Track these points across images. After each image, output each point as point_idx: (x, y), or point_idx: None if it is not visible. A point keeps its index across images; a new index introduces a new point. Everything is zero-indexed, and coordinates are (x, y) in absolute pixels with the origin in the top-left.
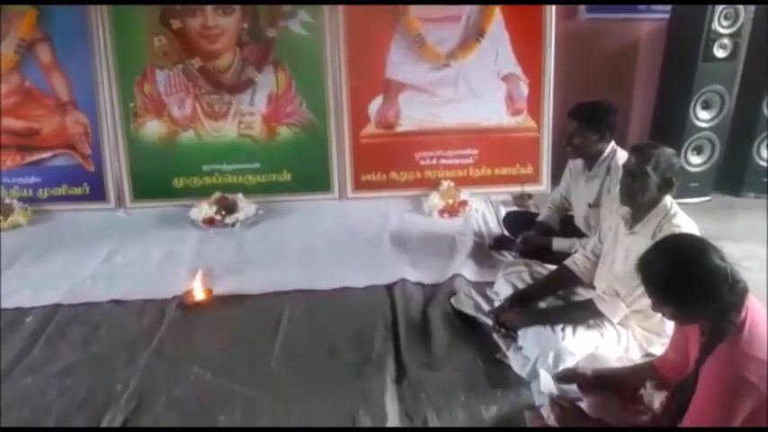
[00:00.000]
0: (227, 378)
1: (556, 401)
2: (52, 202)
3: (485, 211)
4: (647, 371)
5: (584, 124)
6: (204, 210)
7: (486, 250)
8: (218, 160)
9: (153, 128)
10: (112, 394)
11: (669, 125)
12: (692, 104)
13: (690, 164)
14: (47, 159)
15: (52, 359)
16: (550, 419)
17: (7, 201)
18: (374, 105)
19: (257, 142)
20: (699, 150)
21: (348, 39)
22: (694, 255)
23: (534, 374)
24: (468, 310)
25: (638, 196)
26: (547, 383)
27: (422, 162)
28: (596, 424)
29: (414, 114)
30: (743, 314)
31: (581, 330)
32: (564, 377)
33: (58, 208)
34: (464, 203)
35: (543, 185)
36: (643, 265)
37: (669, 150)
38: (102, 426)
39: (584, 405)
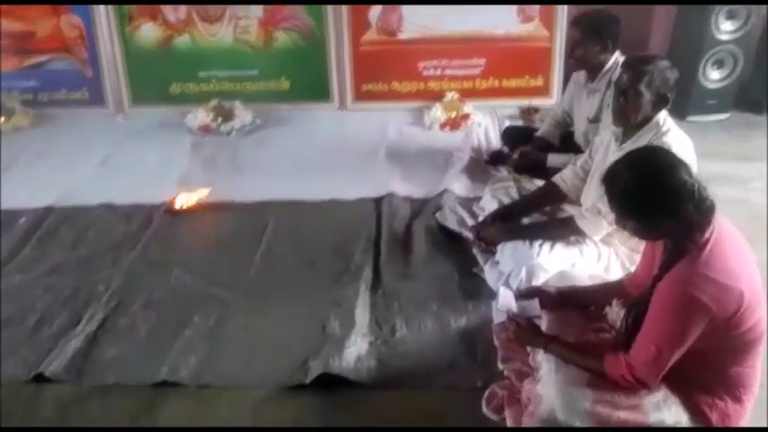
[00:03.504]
0: (206, 282)
1: (512, 318)
2: (53, 105)
3: (488, 125)
4: (616, 289)
5: (587, 34)
6: (200, 116)
7: (483, 165)
8: (214, 66)
9: (148, 31)
10: (94, 294)
11: (689, 37)
12: (715, 14)
13: (708, 79)
14: (44, 63)
15: (41, 259)
16: None
17: (8, 104)
18: (375, 9)
19: (254, 48)
20: (720, 64)
21: None
22: (660, 168)
23: None
24: (452, 224)
25: (631, 116)
26: (504, 301)
27: (425, 72)
28: (550, 340)
29: (417, 20)
30: (707, 234)
31: (559, 247)
32: (527, 293)
33: (60, 112)
34: (466, 117)
35: (553, 99)
36: (608, 176)
37: (663, 63)
38: (80, 322)
39: (543, 323)
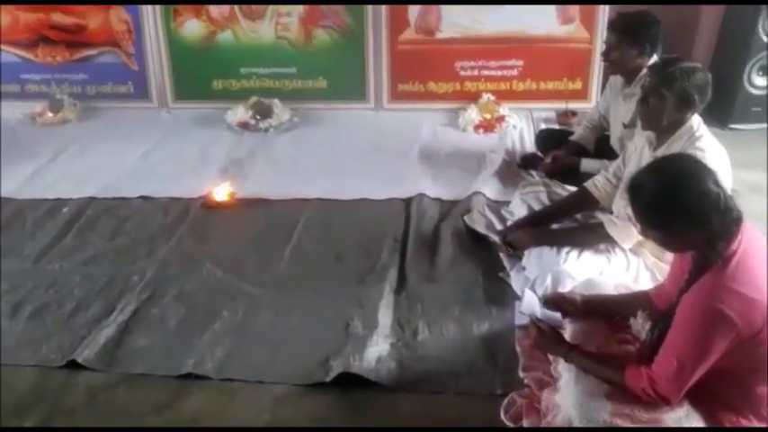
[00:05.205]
0: (236, 276)
1: (534, 323)
2: (100, 99)
3: (523, 128)
4: (643, 300)
5: (623, 37)
6: (240, 113)
7: (515, 169)
8: (255, 63)
9: (192, 27)
10: (129, 284)
11: (735, 41)
12: (763, 16)
13: (754, 85)
14: (94, 56)
15: (81, 248)
16: None
17: (58, 96)
18: (414, 9)
19: (294, 46)
20: (766, 70)
21: None
22: (684, 177)
23: None
24: (480, 228)
25: (655, 119)
26: (529, 304)
27: (462, 73)
28: (571, 348)
29: (456, 19)
30: (734, 246)
31: (587, 254)
32: (551, 302)
33: (106, 105)
34: (501, 119)
35: (591, 102)
36: (632, 185)
37: (690, 65)
38: (114, 312)
39: (566, 332)
